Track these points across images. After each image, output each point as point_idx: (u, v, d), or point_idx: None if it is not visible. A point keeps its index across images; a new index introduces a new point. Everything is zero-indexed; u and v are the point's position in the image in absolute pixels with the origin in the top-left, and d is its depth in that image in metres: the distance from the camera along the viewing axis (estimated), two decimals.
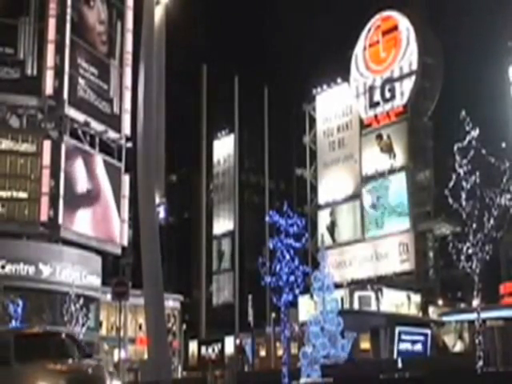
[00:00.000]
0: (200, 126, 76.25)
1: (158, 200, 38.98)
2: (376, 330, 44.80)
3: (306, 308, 44.91)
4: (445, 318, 43.87)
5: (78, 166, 53.29)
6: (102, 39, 57.92)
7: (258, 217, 64.49)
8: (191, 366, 62.31)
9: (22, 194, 51.09)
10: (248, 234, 73.40)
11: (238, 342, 59.31)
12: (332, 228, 60.84)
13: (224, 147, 76.20)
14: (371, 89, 58.87)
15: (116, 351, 50.89)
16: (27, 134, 51.87)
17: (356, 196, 59.26)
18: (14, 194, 50.90)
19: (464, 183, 17.94)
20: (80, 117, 53.44)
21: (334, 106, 62.68)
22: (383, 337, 43.57)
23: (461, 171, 18.00)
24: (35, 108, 52.10)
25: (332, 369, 25.93)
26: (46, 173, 50.95)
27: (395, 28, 58.19)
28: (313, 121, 65.02)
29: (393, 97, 57.22)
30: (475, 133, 18.19)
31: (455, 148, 18.27)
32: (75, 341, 14.33)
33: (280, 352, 46.88)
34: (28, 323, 42.56)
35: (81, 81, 54.37)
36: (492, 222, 17.69)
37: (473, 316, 20.64)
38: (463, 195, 17.86)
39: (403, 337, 39.16)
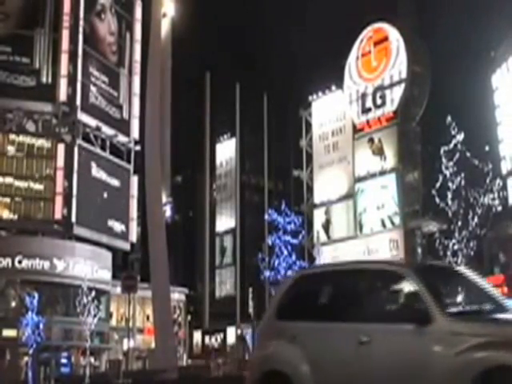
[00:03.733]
0: (203, 131, 76.14)
1: (164, 199, 39.05)
2: None
3: None
4: None
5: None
6: (112, 49, 57.95)
7: (258, 215, 64.44)
8: (196, 354, 62.23)
9: (38, 194, 51.16)
10: (248, 231, 73.36)
11: (239, 331, 59.28)
12: (327, 225, 60.67)
13: (226, 150, 76.12)
14: (363, 96, 58.70)
15: (125, 340, 51.01)
16: (42, 138, 51.95)
17: (349, 196, 59.17)
18: (30, 193, 50.99)
19: (450, 184, 17.99)
20: (92, 122, 53.45)
21: (329, 111, 62.51)
22: None
23: (447, 173, 18.06)
24: (50, 114, 52.13)
25: None
26: (60, 174, 51.04)
27: (386, 39, 57.98)
28: (309, 125, 64.81)
29: (383, 103, 57.04)
30: (460, 137, 18.25)
31: (442, 151, 18.31)
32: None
33: None
34: (43, 315, 42.62)
35: (92, 88, 54.39)
36: (476, 220, 17.73)
37: None
38: (449, 195, 17.91)
39: None
